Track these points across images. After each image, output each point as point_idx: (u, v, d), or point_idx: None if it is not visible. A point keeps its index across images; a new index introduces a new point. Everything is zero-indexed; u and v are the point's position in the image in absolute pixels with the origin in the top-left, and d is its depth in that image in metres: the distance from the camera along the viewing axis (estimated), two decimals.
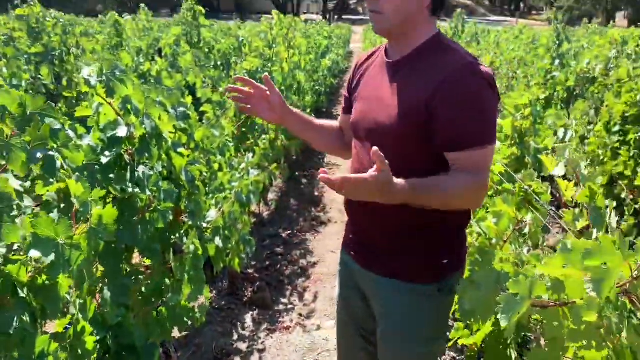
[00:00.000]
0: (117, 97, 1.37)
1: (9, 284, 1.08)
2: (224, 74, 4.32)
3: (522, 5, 74.85)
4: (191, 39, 6.49)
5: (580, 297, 0.94)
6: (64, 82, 3.94)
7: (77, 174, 1.10)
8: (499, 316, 1.08)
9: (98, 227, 1.09)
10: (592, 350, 0.95)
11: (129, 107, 1.39)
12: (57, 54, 3.77)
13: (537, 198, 1.55)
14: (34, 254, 0.99)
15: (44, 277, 1.16)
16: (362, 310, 1.72)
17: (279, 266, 4.09)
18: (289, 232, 4.73)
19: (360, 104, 1.61)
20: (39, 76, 3.97)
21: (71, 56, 3.90)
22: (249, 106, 1.72)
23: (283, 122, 1.75)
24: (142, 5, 8.21)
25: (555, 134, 2.84)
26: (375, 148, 1.20)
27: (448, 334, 1.82)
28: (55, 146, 1.10)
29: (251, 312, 3.43)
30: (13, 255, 1.09)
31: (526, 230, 1.70)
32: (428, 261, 1.52)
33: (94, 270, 1.41)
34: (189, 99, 2.27)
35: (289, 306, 3.54)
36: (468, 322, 1.58)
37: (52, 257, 1.02)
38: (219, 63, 6.33)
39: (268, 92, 1.69)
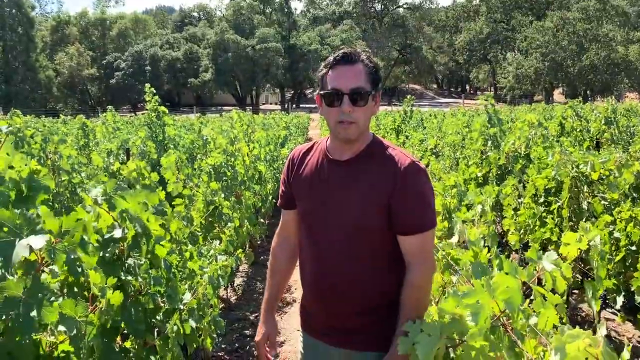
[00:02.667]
0: (117, 209, 1.72)
1: (37, 354, 1.38)
2: (192, 169, 4.72)
3: (467, 87, 79.89)
4: (156, 137, 6.93)
5: (469, 327, 1.31)
6: None
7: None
8: (417, 352, 1.43)
9: (108, 308, 1.42)
10: None
11: (124, 215, 1.74)
12: (35, 160, 4.13)
13: (452, 263, 1.93)
14: (61, 328, 1.30)
15: (60, 349, 1.45)
16: None
17: (247, 347, 4.30)
18: (256, 314, 4.96)
19: (311, 194, 1.89)
20: None
21: (48, 161, 4.27)
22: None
23: None
24: (110, 107, 8.71)
25: (469, 208, 3.30)
26: None
27: None
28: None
29: None
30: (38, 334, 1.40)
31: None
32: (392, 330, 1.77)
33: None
34: (162, 194, 2.62)
35: None
36: None
37: (74, 331, 1.33)
38: (184, 158, 6.76)
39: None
